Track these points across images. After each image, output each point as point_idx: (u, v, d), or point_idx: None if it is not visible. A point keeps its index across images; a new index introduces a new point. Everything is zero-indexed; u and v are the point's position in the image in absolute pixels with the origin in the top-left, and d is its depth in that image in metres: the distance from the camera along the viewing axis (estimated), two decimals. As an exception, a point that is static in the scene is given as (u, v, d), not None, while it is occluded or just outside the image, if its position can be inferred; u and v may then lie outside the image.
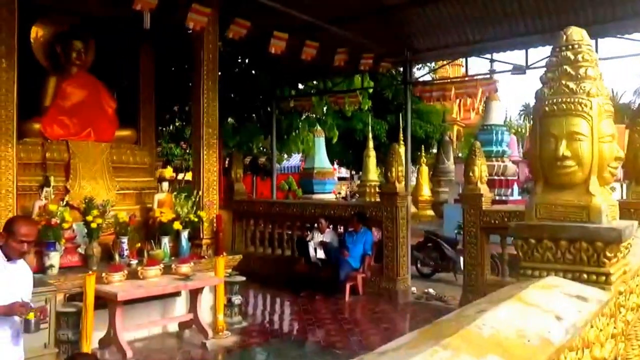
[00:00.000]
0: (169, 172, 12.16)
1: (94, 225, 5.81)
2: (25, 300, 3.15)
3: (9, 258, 3.16)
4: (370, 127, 17.34)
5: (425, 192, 19.15)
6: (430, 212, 18.47)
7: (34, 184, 6.09)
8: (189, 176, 19.68)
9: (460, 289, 7.70)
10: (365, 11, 7.92)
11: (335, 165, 24.91)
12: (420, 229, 12.01)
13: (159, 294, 5.52)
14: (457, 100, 25.04)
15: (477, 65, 33.83)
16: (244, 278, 6.75)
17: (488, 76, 8.84)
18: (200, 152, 6.83)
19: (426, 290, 8.44)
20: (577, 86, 2.08)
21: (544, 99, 2.15)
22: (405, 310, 7.54)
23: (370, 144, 16.74)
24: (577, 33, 2.17)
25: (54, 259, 5.55)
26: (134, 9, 5.40)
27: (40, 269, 5.52)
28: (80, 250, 6.01)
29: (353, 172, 26.81)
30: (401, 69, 9.65)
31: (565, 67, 2.13)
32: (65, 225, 5.67)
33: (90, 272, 5.10)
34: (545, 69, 2.23)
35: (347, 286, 7.89)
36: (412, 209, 16.42)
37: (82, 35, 7.11)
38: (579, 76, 2.10)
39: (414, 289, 8.42)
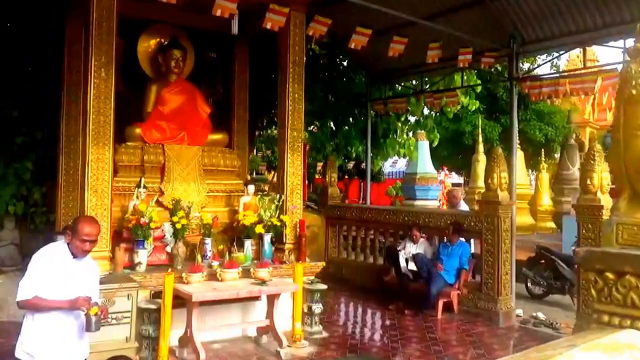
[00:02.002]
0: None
1: (179, 225, 5.95)
2: (88, 296, 3.21)
3: (75, 256, 3.24)
4: (480, 130, 16.30)
5: (545, 201, 17.56)
6: (551, 224, 16.90)
7: (133, 185, 6.38)
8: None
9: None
10: (463, 2, 7.34)
11: (446, 171, 23.93)
12: (536, 242, 10.94)
13: (231, 297, 5.47)
14: (591, 99, 22.83)
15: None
16: (325, 286, 6.53)
17: (613, 67, 7.44)
18: (284, 155, 6.74)
19: (535, 314, 7.57)
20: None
21: (630, 78, 1.62)
22: (507, 335, 6.78)
23: (480, 147, 15.70)
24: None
25: (142, 256, 5.76)
26: (214, 14, 5.41)
27: (130, 265, 5.76)
28: (169, 249, 6.18)
29: (467, 178, 25.57)
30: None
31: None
32: (153, 225, 5.84)
33: (168, 271, 5.17)
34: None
35: (440, 302, 7.34)
36: (530, 220, 15.21)
37: (181, 45, 7.41)
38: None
39: (520, 311, 7.62)
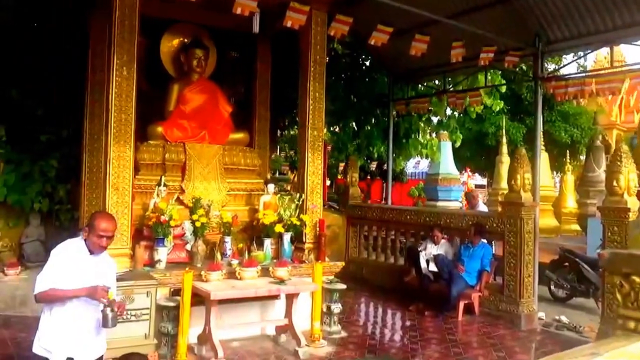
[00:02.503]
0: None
1: (198, 224, 5.98)
2: (107, 286, 3.21)
3: (92, 252, 3.26)
4: (503, 131, 16.07)
5: (570, 203, 17.24)
6: (575, 227, 16.58)
7: (155, 183, 6.42)
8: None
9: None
10: (488, 0, 7.22)
11: (469, 172, 23.65)
12: (560, 244, 10.73)
13: (250, 296, 5.47)
14: (618, 100, 22.33)
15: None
16: (344, 286, 6.49)
17: (640, 67, 7.33)
18: (304, 154, 6.72)
19: (557, 318, 7.42)
20: None
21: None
22: (529, 338, 6.64)
23: (504, 149, 15.48)
24: None
25: (162, 254, 5.80)
26: (234, 13, 5.42)
27: (150, 263, 5.81)
28: (189, 247, 6.21)
29: (490, 180, 25.26)
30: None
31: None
32: (173, 223, 5.88)
33: (187, 269, 5.20)
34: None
35: (461, 304, 7.24)
36: (554, 222, 14.95)
37: (203, 44, 7.45)
38: None
39: (542, 314, 7.48)
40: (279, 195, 6.92)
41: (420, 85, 10.83)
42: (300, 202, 6.62)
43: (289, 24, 5.81)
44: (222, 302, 5.40)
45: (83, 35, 7.45)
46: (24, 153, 8.55)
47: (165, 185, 6.27)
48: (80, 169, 7.65)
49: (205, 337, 5.36)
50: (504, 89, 10.62)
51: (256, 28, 5.94)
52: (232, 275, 5.60)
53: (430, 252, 7.66)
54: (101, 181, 6.40)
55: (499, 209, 8.14)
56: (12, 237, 8.68)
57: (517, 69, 9.52)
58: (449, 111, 11.69)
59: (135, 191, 6.38)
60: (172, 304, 5.26)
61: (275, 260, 6.25)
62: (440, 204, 13.74)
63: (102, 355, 3.45)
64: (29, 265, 7.92)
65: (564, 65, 10.91)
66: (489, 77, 9.52)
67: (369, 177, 16.71)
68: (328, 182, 20.32)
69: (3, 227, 8.67)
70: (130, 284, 4.93)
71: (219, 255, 5.78)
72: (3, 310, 6.70)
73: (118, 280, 4.85)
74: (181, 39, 7.59)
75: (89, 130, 7.39)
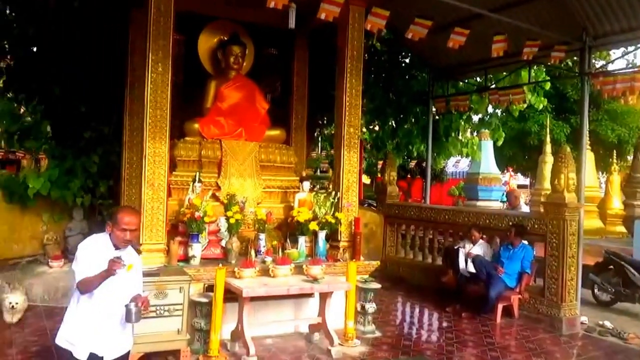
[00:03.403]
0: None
1: (232, 220, 5.99)
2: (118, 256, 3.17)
3: (117, 247, 3.27)
4: (547, 130, 15.56)
5: (616, 204, 16.57)
6: (621, 229, 15.92)
7: (191, 179, 6.49)
8: (364, 178, 19.93)
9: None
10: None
11: (511, 172, 23.09)
12: (605, 247, 10.31)
13: (282, 294, 5.45)
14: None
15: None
16: (379, 285, 6.39)
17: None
18: (340, 152, 6.65)
19: (601, 322, 7.12)
20: None
21: None
22: (570, 343, 6.37)
23: (548, 148, 14.97)
24: None
25: (196, 250, 5.84)
26: (268, 7, 5.39)
27: (184, 258, 5.86)
28: (224, 243, 6.24)
29: (533, 180, 24.60)
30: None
31: None
32: (207, 219, 5.91)
33: (220, 266, 5.21)
34: None
35: (499, 306, 7.04)
36: (599, 224, 14.40)
37: (241, 41, 7.48)
38: None
39: (584, 318, 7.18)
40: (314, 192, 6.88)
41: (460, 82, 10.58)
42: (336, 200, 6.55)
43: (322, 16, 5.71)
44: (255, 299, 5.39)
45: (124, 33, 7.60)
46: (67, 149, 8.81)
47: (200, 181, 6.32)
48: (120, 165, 7.81)
49: (237, 334, 5.36)
50: (547, 86, 10.22)
51: (292, 23, 5.88)
52: (265, 272, 5.58)
53: (468, 253, 7.48)
54: (139, 177, 6.52)
55: (541, 209, 7.87)
56: (56, 230, 8.95)
57: (563, 65, 9.14)
58: (490, 109, 11.38)
59: (172, 187, 6.48)
60: (205, 300, 5.28)
61: (309, 258, 6.20)
62: (480, 203, 13.44)
63: (128, 352, 3.43)
64: (72, 258, 8.11)
65: (612, 61, 10.49)
66: (533, 74, 9.19)
67: (409, 175, 16.52)
68: (368, 181, 20.24)
69: (49, 221, 8.96)
70: (163, 280, 4.96)
71: (252, 253, 5.77)
72: (47, 302, 6.90)
73: (152, 275, 4.96)
74: (219, 36, 7.63)
75: (128, 127, 7.54)
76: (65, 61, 8.52)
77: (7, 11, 9.01)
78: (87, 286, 3.15)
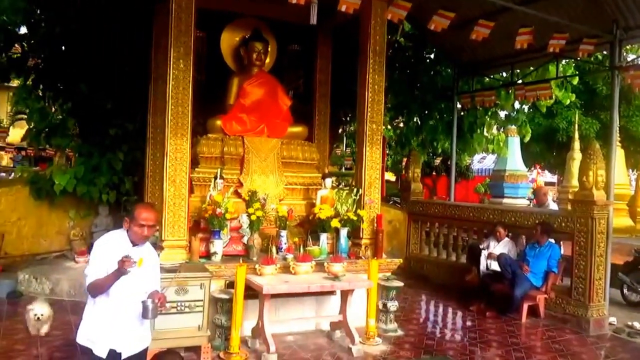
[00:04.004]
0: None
1: (254, 217, 5.98)
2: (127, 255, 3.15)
3: (135, 243, 3.27)
4: (576, 126, 15.19)
5: (646, 202, 16.14)
6: (652, 227, 15.50)
7: (214, 176, 6.49)
8: (389, 175, 19.80)
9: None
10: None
11: (538, 169, 22.64)
12: (635, 245, 10.02)
13: (303, 291, 5.42)
14: None
15: None
16: (401, 284, 6.32)
17: None
18: (362, 148, 6.58)
19: (630, 323, 6.91)
20: None
21: None
22: (598, 345, 6.20)
23: (576, 145, 14.61)
24: None
25: (218, 246, 5.85)
26: (290, 2, 5.35)
27: (206, 255, 5.88)
28: (245, 240, 6.24)
29: (561, 177, 24.08)
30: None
31: None
32: (229, 216, 5.92)
33: (240, 263, 5.21)
34: None
35: (525, 306, 6.89)
36: (629, 222, 14.02)
37: (263, 37, 7.47)
38: None
39: (613, 319, 6.98)
40: (336, 189, 6.83)
41: (486, 78, 10.39)
42: (358, 197, 6.49)
43: (343, 8, 5.63)
44: (276, 296, 5.38)
45: (149, 29, 7.65)
46: (93, 146, 8.95)
47: (222, 178, 6.32)
48: (145, 161, 7.88)
49: (258, 331, 5.36)
50: (576, 80, 9.97)
51: (314, 19, 5.81)
52: (286, 269, 5.56)
53: (493, 251, 7.34)
54: (162, 174, 6.56)
55: (569, 207, 7.67)
56: (83, 226, 9.14)
57: (592, 59, 8.88)
58: (517, 105, 11.16)
59: (195, 184, 6.50)
60: (226, 296, 5.29)
61: (331, 256, 6.16)
62: (506, 201, 13.20)
63: (147, 348, 3.43)
64: (97, 254, 8.25)
65: (644, 56, 10.17)
66: (561, 69, 8.96)
67: (434, 173, 16.33)
68: (394, 178, 20.08)
69: (75, 217, 9.14)
70: (184, 276, 4.98)
71: (273, 249, 5.76)
72: (73, 297, 7.02)
73: (173, 271, 4.99)
74: (241, 33, 7.63)
75: (152, 124, 7.59)
76: (91, 59, 8.63)
77: (38, 11, 9.15)
78: (97, 289, 3.16)
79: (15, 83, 12.70)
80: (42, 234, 8.92)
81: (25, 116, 10.32)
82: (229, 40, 7.68)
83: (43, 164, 18.65)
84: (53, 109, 9.76)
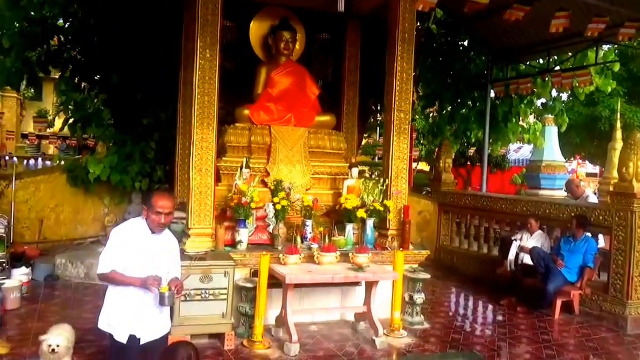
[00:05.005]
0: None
1: (279, 206, 5.97)
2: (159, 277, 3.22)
3: (153, 231, 3.29)
4: (618, 115, 14.55)
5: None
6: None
7: (240, 165, 6.51)
8: (422, 166, 19.54)
9: None
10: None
11: (579, 160, 21.90)
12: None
13: (326, 282, 5.39)
14: None
15: None
16: (428, 276, 6.21)
17: None
18: (390, 138, 6.47)
19: (671, 323, 6.65)
20: None
21: None
22: (635, 345, 5.93)
23: (618, 134, 13.96)
24: None
25: (243, 235, 5.86)
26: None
27: (232, 243, 5.91)
28: (270, 229, 6.24)
29: (603, 169, 23.21)
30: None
31: None
32: (254, 205, 5.92)
33: (264, 252, 5.20)
34: None
35: (558, 302, 6.67)
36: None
37: (291, 26, 7.42)
38: None
39: (653, 318, 6.72)
40: (363, 179, 6.75)
41: (522, 65, 10.06)
42: (385, 188, 6.40)
43: None
44: (300, 286, 5.37)
45: (179, 20, 7.70)
46: (127, 135, 9.12)
47: (249, 167, 6.33)
48: (175, 150, 7.98)
49: (282, 320, 5.36)
50: (617, 67, 9.53)
51: (341, 7, 5.70)
52: (311, 259, 5.54)
53: (526, 244, 7.14)
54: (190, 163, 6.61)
55: (608, 200, 7.38)
56: (117, 213, 9.36)
57: (635, 44, 8.46)
58: (554, 93, 10.78)
59: (222, 173, 6.53)
60: (250, 285, 5.31)
61: (356, 246, 6.10)
62: (543, 192, 12.81)
63: (167, 335, 3.48)
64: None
65: None
66: (601, 55, 8.58)
67: (469, 163, 15.99)
68: (427, 168, 19.78)
69: (110, 204, 9.38)
70: (209, 264, 5.02)
71: (298, 239, 5.74)
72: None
73: (198, 259, 5.03)
74: (270, 22, 7.59)
75: (182, 114, 7.65)
76: (123, 50, 8.76)
77: (75, 5, 9.34)
78: (110, 282, 3.21)
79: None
80: (78, 220, 9.18)
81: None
82: (257, 29, 7.65)
83: (86, 152, 19.19)
84: (90, 99, 9.99)
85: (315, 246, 5.79)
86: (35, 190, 8.78)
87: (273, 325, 5.54)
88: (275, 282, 5.26)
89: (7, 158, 17.59)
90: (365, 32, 8.05)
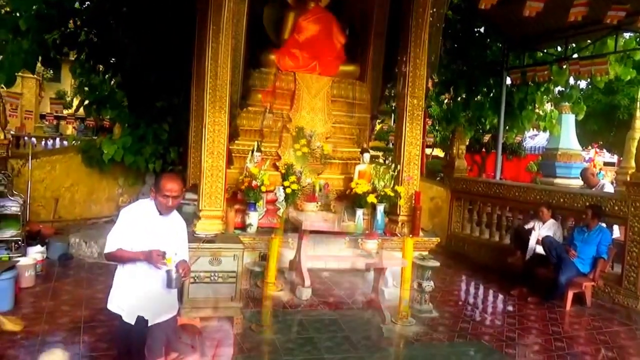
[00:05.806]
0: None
1: (289, 190, 5.98)
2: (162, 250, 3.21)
3: (161, 213, 3.31)
4: (638, 103, 14.25)
5: None
6: None
7: (251, 148, 6.52)
8: (437, 152, 19.40)
9: None
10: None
11: (596, 149, 21.57)
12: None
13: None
14: None
15: None
16: (437, 263, 6.15)
17: None
18: (402, 124, 6.42)
19: (685, 317, 6.55)
20: None
21: None
22: (647, 338, 5.90)
23: (637, 123, 13.69)
24: None
25: (253, 218, 5.91)
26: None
27: (242, 226, 5.94)
28: (280, 213, 6.26)
29: (621, 158, 22.84)
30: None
31: None
32: (264, 188, 5.94)
33: (274, 235, 5.22)
34: None
35: (570, 293, 6.57)
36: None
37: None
38: None
39: (667, 311, 6.63)
40: (374, 164, 6.72)
41: (538, 52, 9.88)
42: (396, 173, 6.37)
43: None
44: (315, 232, 5.44)
45: (192, 4, 7.66)
46: (140, 117, 9.17)
47: (260, 150, 6.34)
48: (188, 133, 8.01)
49: (295, 264, 5.39)
50: (638, 55, 9.32)
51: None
52: (327, 207, 5.61)
53: (539, 233, 7.06)
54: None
55: (624, 189, 7.27)
56: (131, 194, 9.47)
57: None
58: (572, 81, 10.59)
59: (234, 156, 6.56)
60: (259, 269, 5.34)
61: (367, 232, 6.09)
62: (558, 181, 12.63)
63: (175, 317, 3.50)
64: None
65: None
66: (621, 43, 8.39)
67: (484, 150, 15.82)
68: (442, 154, 19.63)
69: (124, 184, 9.48)
70: (218, 246, 5.05)
71: (317, 187, 5.76)
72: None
73: (208, 241, 5.06)
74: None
75: (195, 97, 7.66)
76: (138, 33, 8.77)
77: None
78: (117, 260, 3.24)
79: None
80: (92, 199, 9.30)
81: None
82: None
83: (104, 134, 19.37)
84: (105, 82, 10.04)
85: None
86: (50, 169, 8.89)
87: (286, 268, 5.59)
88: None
89: (25, 138, 17.81)
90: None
